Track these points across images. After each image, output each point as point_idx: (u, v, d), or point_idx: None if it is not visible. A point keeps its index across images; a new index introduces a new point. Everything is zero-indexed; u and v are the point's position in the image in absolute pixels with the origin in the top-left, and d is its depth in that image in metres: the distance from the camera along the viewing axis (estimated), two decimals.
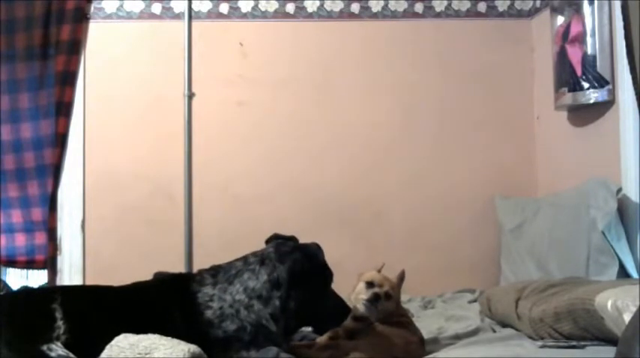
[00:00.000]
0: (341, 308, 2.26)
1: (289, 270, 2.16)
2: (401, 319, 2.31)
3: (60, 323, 1.95)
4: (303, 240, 2.36)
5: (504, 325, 2.56)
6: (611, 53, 2.93)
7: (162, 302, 2.16)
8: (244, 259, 2.26)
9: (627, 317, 1.76)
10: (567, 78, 3.13)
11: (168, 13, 3.70)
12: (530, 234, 3.30)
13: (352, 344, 2.19)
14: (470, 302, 3.19)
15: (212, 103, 3.71)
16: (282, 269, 2.17)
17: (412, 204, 3.71)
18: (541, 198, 3.49)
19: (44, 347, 1.88)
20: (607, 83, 2.93)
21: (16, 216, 3.62)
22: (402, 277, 2.35)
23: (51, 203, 3.57)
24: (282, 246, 2.25)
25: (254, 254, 2.26)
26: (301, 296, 2.16)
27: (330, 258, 2.28)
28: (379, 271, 2.33)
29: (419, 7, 3.75)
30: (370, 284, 2.25)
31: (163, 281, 2.30)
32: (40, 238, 3.60)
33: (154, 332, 1.96)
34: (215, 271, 2.23)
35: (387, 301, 2.23)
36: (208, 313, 2.13)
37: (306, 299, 2.17)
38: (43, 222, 3.58)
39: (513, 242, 3.42)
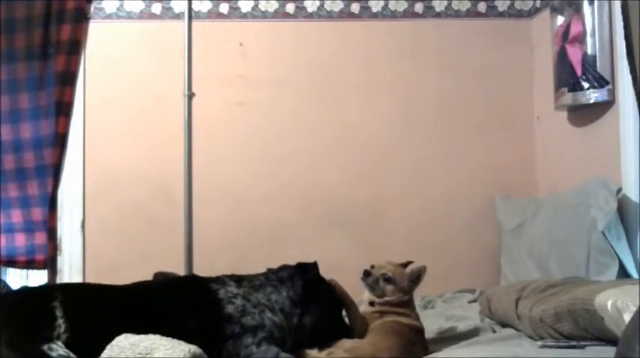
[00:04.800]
0: (343, 331, 2.35)
1: (303, 287, 2.29)
2: (415, 322, 2.32)
3: (60, 321, 1.95)
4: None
5: (504, 325, 2.57)
6: (611, 53, 2.93)
7: (168, 301, 2.18)
8: (264, 275, 2.35)
9: (627, 317, 1.76)
10: (567, 78, 3.13)
11: (168, 13, 3.70)
12: (530, 234, 3.30)
13: (352, 343, 2.21)
14: (470, 302, 3.19)
15: (212, 103, 3.70)
16: (298, 285, 2.29)
17: (412, 204, 3.71)
18: (541, 198, 3.49)
19: (45, 347, 1.87)
20: (607, 83, 2.93)
21: (16, 216, 3.62)
22: (416, 272, 2.37)
23: (51, 203, 3.57)
24: (290, 268, 2.37)
25: (271, 271, 2.37)
26: (315, 315, 2.28)
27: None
28: (402, 265, 2.41)
29: (419, 7, 3.75)
30: (372, 267, 2.39)
31: (169, 281, 2.32)
32: (40, 238, 3.60)
33: (156, 331, 1.96)
34: (238, 277, 2.31)
35: (386, 284, 2.34)
36: (230, 308, 2.17)
37: (320, 319, 2.29)
38: (43, 222, 3.58)
39: (513, 242, 3.43)
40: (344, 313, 2.41)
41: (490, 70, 3.76)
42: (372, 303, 2.38)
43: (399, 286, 2.34)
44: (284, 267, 2.39)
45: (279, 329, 2.19)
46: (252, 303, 2.20)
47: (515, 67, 3.78)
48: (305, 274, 2.32)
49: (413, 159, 3.73)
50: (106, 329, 1.96)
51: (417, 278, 2.37)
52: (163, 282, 2.53)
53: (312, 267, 2.35)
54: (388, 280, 2.34)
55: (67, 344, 1.91)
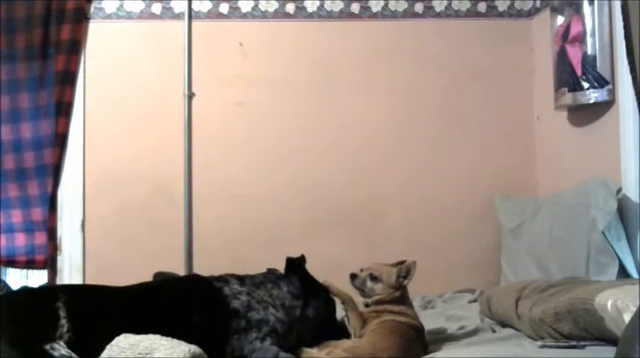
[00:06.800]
0: (340, 328, 2.41)
1: (300, 281, 2.35)
2: (413, 321, 2.33)
3: (63, 321, 1.95)
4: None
5: (504, 325, 2.57)
6: (611, 53, 2.93)
7: (172, 300, 2.19)
8: (263, 274, 2.40)
9: (627, 317, 1.76)
10: (567, 78, 3.13)
11: (168, 13, 3.70)
12: (530, 234, 3.30)
13: (351, 343, 2.22)
14: (470, 302, 3.19)
15: (212, 103, 3.70)
16: (296, 280, 2.35)
17: (412, 204, 3.71)
18: (541, 198, 3.49)
19: (47, 346, 1.88)
20: (607, 83, 2.93)
21: (16, 216, 3.61)
22: (405, 268, 2.36)
23: (51, 203, 3.57)
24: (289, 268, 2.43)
25: (268, 271, 2.43)
26: (316, 306, 2.33)
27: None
28: (392, 265, 2.41)
29: (419, 7, 3.75)
30: (361, 270, 2.41)
31: (171, 281, 2.33)
32: (40, 238, 3.60)
33: (160, 330, 1.96)
34: (239, 276, 2.34)
35: (374, 283, 2.36)
36: (236, 303, 2.20)
37: (320, 310, 2.34)
38: (43, 222, 3.58)
39: (513, 242, 3.43)
40: (344, 313, 2.43)
41: (490, 70, 3.76)
42: (367, 305, 2.39)
43: (387, 283, 2.36)
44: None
45: (281, 324, 2.23)
46: (256, 299, 2.24)
47: (515, 67, 3.78)
48: (296, 269, 2.37)
49: (413, 159, 3.73)
50: (109, 329, 1.96)
51: (406, 273, 2.37)
52: (166, 282, 2.55)
53: (300, 260, 2.40)
54: (375, 279, 2.36)
55: (70, 345, 1.91)
